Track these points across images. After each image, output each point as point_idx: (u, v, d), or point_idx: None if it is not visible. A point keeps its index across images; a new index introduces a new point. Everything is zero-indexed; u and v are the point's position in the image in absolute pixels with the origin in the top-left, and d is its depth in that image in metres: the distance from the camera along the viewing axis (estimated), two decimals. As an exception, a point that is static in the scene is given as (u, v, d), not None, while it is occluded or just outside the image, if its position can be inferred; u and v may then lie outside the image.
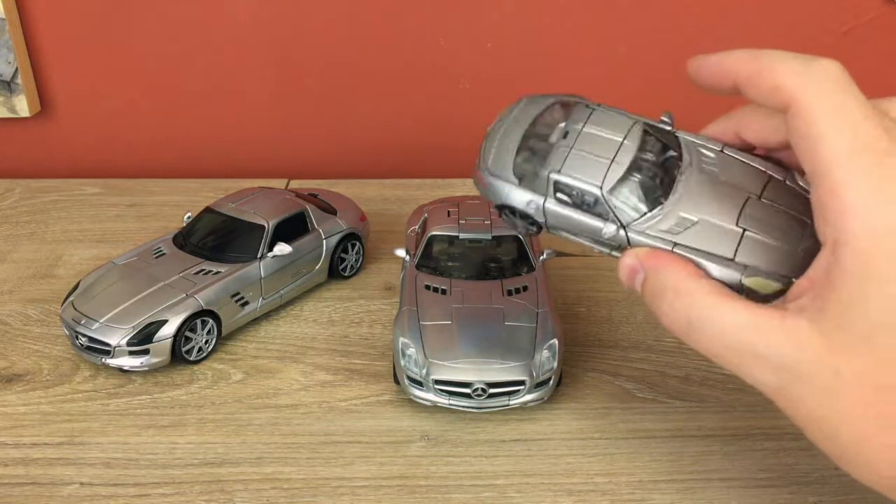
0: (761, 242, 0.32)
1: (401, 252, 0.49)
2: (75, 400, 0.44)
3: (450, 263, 0.49)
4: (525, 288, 0.45)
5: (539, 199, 0.35)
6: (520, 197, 0.35)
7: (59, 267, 0.58)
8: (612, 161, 0.33)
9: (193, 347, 0.46)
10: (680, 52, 0.84)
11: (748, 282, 0.32)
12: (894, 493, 0.26)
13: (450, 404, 0.41)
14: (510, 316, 0.43)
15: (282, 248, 0.50)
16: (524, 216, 0.36)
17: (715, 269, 0.32)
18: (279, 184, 0.72)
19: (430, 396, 0.41)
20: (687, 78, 0.33)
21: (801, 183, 0.33)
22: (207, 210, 0.53)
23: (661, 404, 0.44)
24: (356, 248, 0.57)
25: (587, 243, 0.36)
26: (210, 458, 0.40)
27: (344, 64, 0.76)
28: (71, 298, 0.48)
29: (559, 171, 0.34)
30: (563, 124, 0.35)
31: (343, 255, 0.56)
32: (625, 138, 0.34)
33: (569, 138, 0.34)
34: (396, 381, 0.44)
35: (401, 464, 0.39)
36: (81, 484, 0.38)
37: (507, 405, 0.41)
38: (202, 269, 0.49)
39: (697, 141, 0.36)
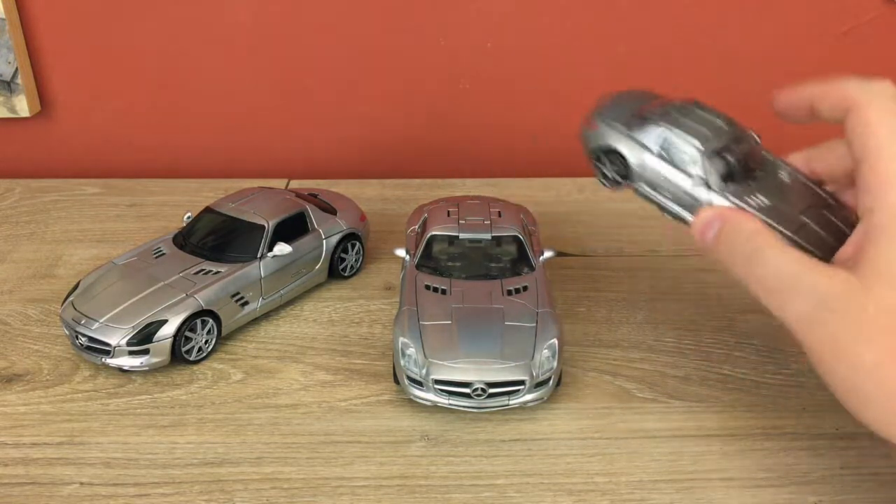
0: (817, 234, 0.38)
1: (401, 252, 0.49)
2: (75, 400, 0.44)
3: (450, 263, 0.49)
4: (525, 288, 0.45)
5: (641, 149, 0.41)
6: (626, 144, 0.41)
7: (59, 267, 0.58)
8: (712, 136, 0.40)
9: (193, 347, 0.46)
10: (679, 53, 0.85)
11: None
12: None
13: (450, 404, 0.41)
14: (510, 316, 0.43)
15: (282, 248, 0.50)
16: (618, 164, 0.42)
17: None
18: (279, 184, 0.72)
19: (430, 396, 0.41)
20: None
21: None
22: (207, 210, 0.53)
23: (660, 404, 0.44)
24: (356, 248, 0.57)
25: (661, 200, 0.41)
26: (210, 458, 0.40)
27: (344, 64, 0.76)
28: (71, 298, 0.48)
29: (669, 128, 0.40)
30: (676, 103, 0.42)
31: (343, 255, 0.56)
32: (725, 125, 0.41)
33: (679, 111, 0.41)
34: (396, 381, 0.44)
35: (401, 464, 0.39)
36: (81, 484, 0.38)
37: (507, 405, 0.41)
38: (202, 269, 0.48)
39: (776, 158, 0.42)
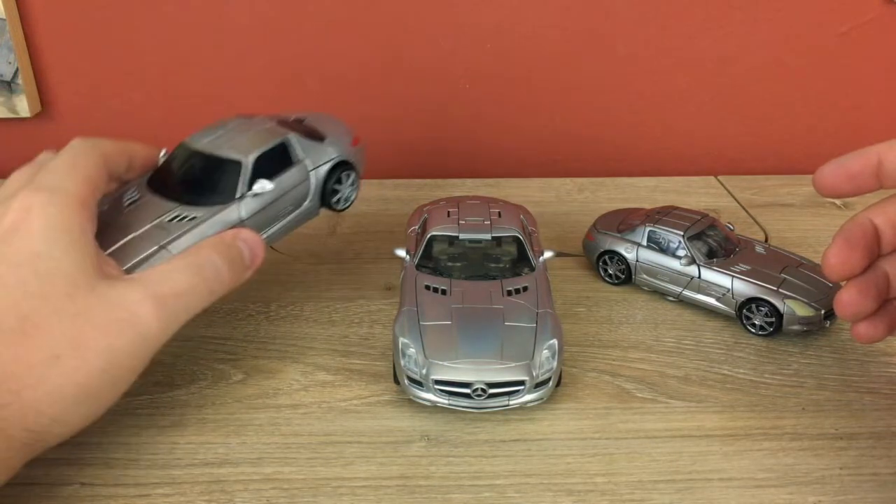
0: (797, 284, 0.49)
1: (401, 252, 0.49)
2: (75, 400, 0.44)
3: (450, 263, 0.49)
4: (525, 288, 0.45)
5: (634, 246, 0.54)
6: (621, 244, 0.55)
7: (59, 267, 0.58)
8: (688, 228, 0.53)
9: None
10: (679, 53, 0.84)
11: (789, 303, 0.48)
12: None
13: (450, 404, 0.41)
14: (510, 316, 0.43)
15: (262, 186, 0.44)
16: (617, 261, 0.55)
17: (764, 293, 0.48)
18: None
19: (430, 396, 0.41)
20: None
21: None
22: (181, 146, 0.47)
23: (660, 404, 0.44)
24: (351, 179, 0.50)
25: (661, 283, 0.53)
26: (210, 458, 0.40)
27: (344, 64, 0.76)
28: None
29: (654, 225, 0.54)
30: (656, 209, 0.56)
31: (336, 186, 0.49)
32: (699, 217, 0.55)
33: (659, 213, 0.55)
34: (396, 381, 0.44)
35: (401, 464, 0.39)
36: (82, 484, 0.38)
37: (507, 405, 0.41)
38: (177, 216, 0.43)
39: (750, 238, 0.55)
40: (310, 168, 0.48)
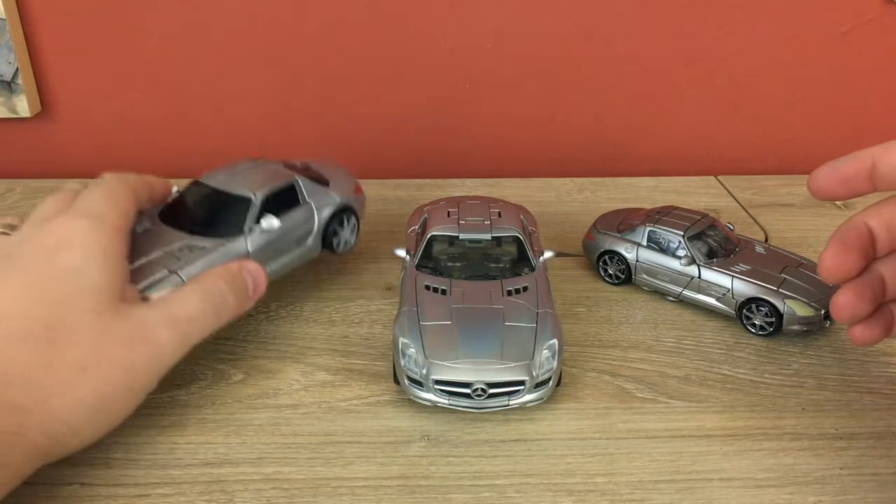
0: (797, 284, 0.49)
1: (401, 252, 0.50)
2: (75, 400, 0.44)
3: (450, 263, 0.49)
4: (525, 288, 0.45)
5: (634, 246, 0.54)
6: (621, 244, 0.55)
7: (59, 267, 0.58)
8: (688, 227, 0.53)
9: None
10: (679, 53, 0.84)
11: (789, 303, 0.48)
12: None
13: (450, 404, 0.41)
14: (510, 316, 0.43)
15: (269, 222, 0.47)
16: (617, 261, 0.55)
17: (764, 293, 0.48)
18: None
19: (430, 396, 0.41)
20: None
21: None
22: (194, 183, 0.50)
23: (660, 404, 0.44)
24: (352, 223, 0.54)
25: (661, 283, 0.53)
26: (210, 458, 0.40)
27: (344, 64, 0.76)
28: None
29: (654, 225, 0.53)
30: (656, 209, 0.56)
31: (337, 229, 0.52)
32: (700, 217, 0.54)
33: (659, 213, 0.55)
34: (396, 381, 0.44)
35: (401, 464, 0.39)
36: (82, 484, 0.38)
37: (507, 405, 0.41)
38: (186, 245, 0.45)
39: (750, 238, 0.55)
40: (314, 210, 0.51)
